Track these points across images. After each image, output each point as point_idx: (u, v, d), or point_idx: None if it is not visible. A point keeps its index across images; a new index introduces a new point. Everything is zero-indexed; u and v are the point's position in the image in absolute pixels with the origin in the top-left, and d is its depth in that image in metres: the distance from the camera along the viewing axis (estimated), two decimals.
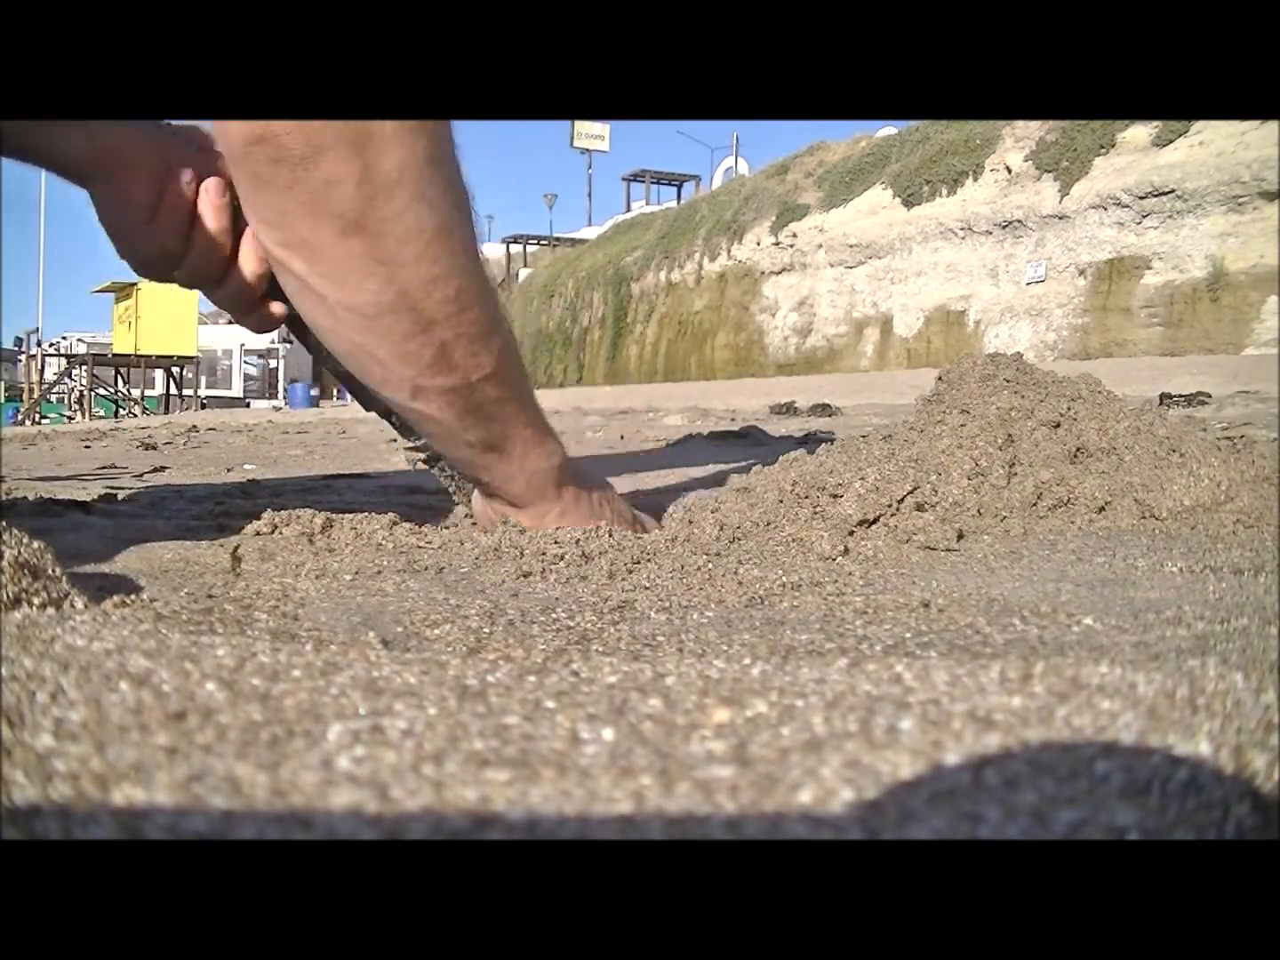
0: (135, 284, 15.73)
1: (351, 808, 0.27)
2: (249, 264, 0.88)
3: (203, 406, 18.07)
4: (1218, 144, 10.74)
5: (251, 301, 0.90)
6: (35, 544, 0.51)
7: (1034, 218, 12.66)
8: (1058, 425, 1.08)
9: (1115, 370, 5.92)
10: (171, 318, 17.00)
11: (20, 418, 17.85)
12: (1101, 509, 0.98)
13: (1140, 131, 11.58)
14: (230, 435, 4.49)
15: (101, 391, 20.01)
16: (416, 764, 0.30)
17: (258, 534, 0.92)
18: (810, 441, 2.41)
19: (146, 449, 3.51)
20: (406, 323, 0.80)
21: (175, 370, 19.32)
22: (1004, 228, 13.11)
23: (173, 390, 19.44)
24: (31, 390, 20.39)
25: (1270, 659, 0.44)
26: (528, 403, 0.92)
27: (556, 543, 0.81)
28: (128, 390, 20.23)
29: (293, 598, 0.66)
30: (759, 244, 16.74)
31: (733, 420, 4.20)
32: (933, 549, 0.87)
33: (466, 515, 1.02)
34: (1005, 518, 0.97)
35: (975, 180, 13.50)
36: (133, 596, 0.54)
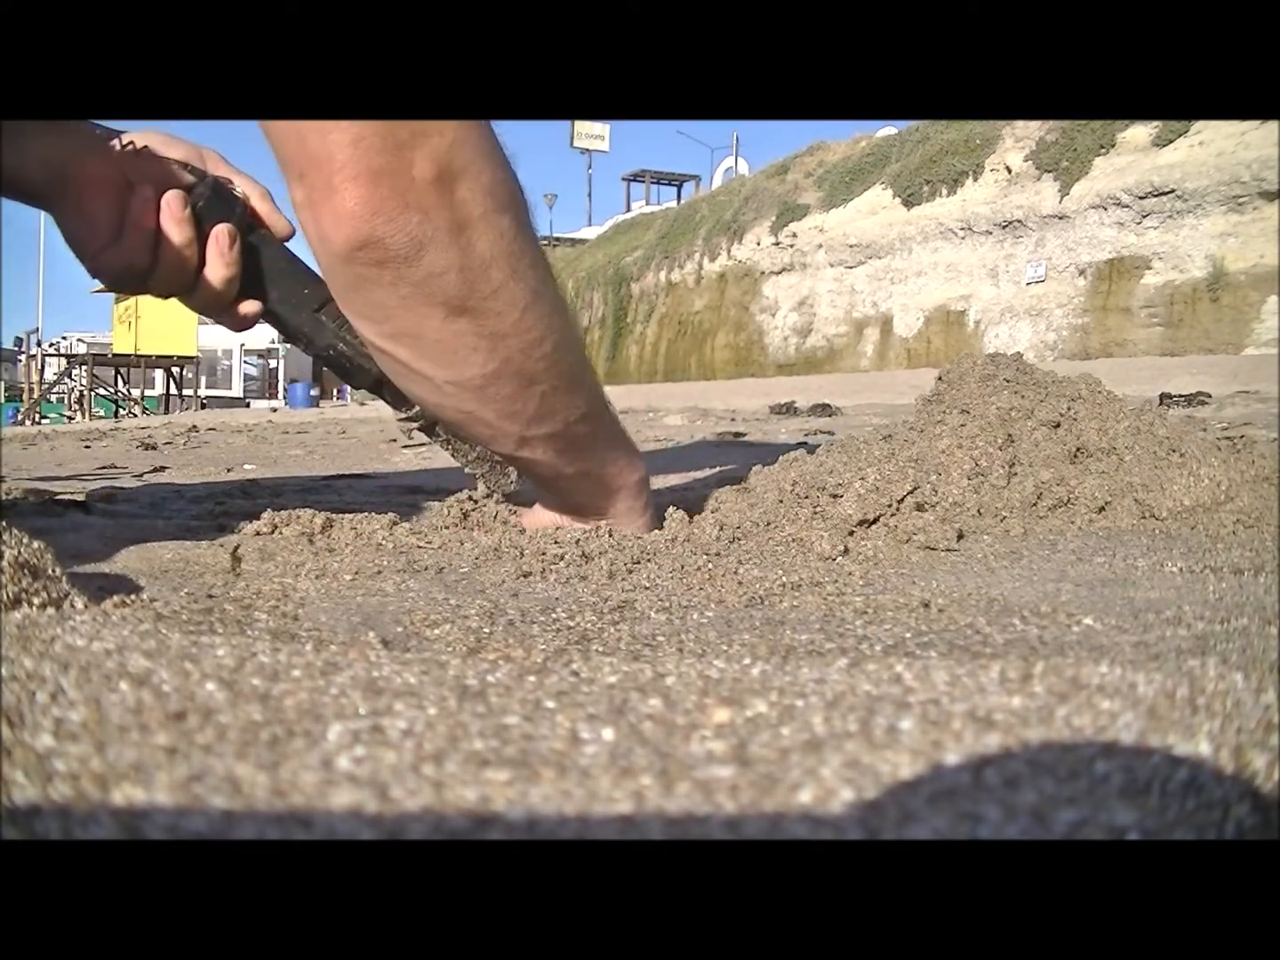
0: None
1: (351, 808, 0.27)
2: (216, 270, 0.89)
3: (203, 406, 18.07)
4: (1218, 144, 10.74)
5: (224, 305, 0.91)
6: (35, 544, 0.51)
7: (1034, 218, 12.66)
8: (1058, 425, 1.08)
9: (1115, 370, 5.92)
10: (171, 318, 17.01)
11: (20, 418, 17.84)
12: (1101, 509, 0.98)
13: (1140, 131, 11.58)
14: (230, 435, 4.49)
15: (101, 391, 20.01)
16: (416, 764, 0.30)
17: (258, 534, 0.92)
18: (809, 443, 2.41)
19: (146, 449, 3.51)
20: (511, 386, 0.84)
21: (175, 370, 19.32)
22: (1004, 228, 13.11)
23: (173, 390, 19.44)
24: (31, 390, 20.39)
25: (1270, 659, 0.44)
26: (615, 428, 0.96)
27: (556, 543, 0.81)
28: (128, 390, 20.23)
29: (293, 598, 0.66)
30: (759, 244, 16.74)
31: (733, 420, 4.20)
32: (933, 549, 0.87)
33: (480, 503, 1.03)
34: (1005, 518, 0.97)
35: (975, 180, 13.50)
36: (133, 596, 0.54)
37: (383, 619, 0.59)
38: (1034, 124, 12.80)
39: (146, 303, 16.63)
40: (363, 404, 10.79)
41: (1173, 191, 11.05)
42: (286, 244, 0.95)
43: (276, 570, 0.78)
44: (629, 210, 24.83)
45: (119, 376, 20.14)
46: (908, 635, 0.56)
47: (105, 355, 19.39)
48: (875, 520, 0.93)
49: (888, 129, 16.25)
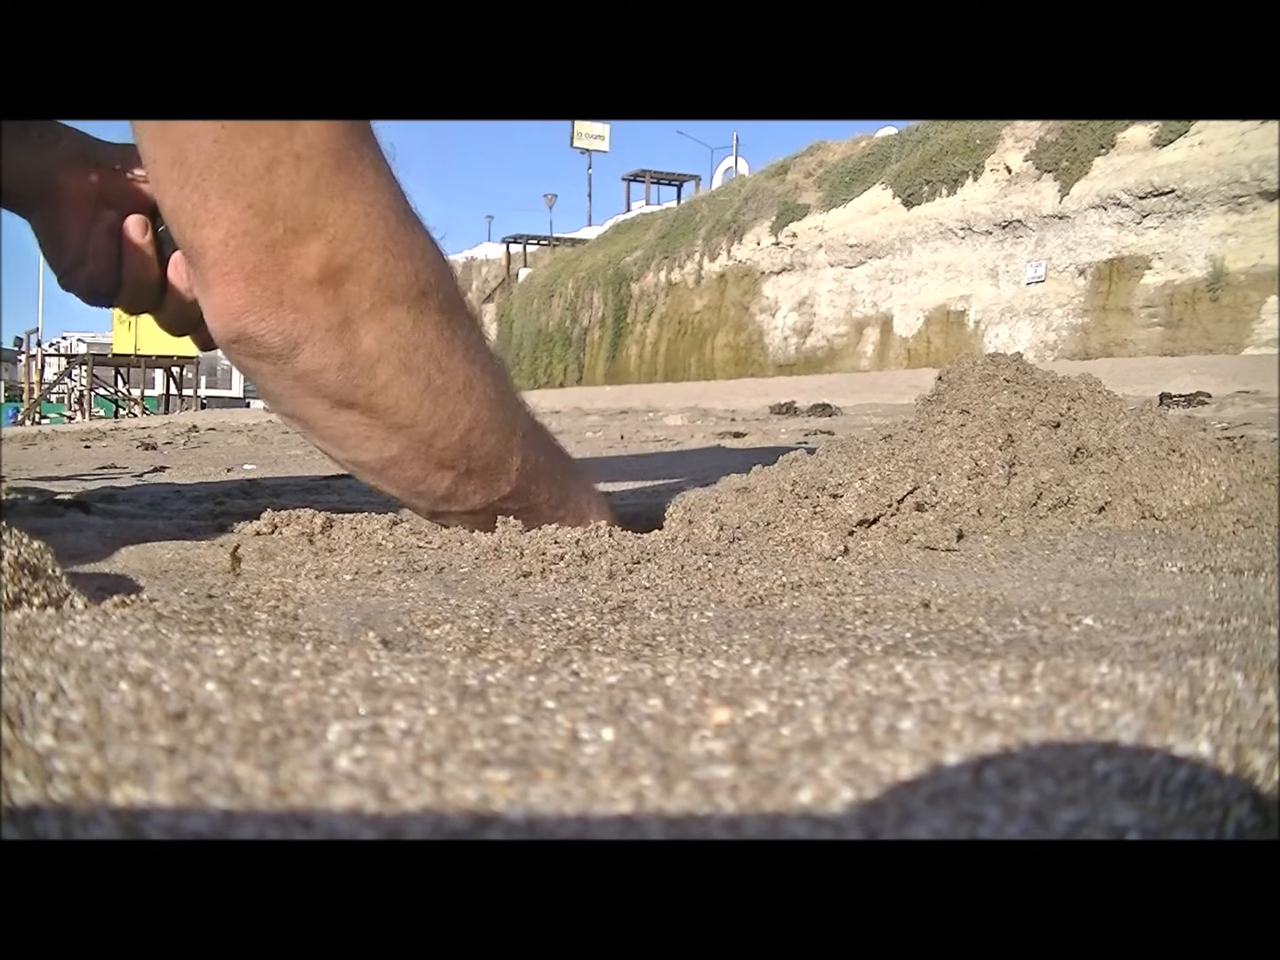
0: None
1: (351, 808, 0.27)
2: (179, 292, 0.89)
3: (203, 406, 18.07)
4: (1218, 144, 10.74)
5: (191, 323, 0.92)
6: (35, 544, 0.51)
7: (1034, 218, 12.67)
8: (1058, 425, 1.08)
9: (1115, 370, 5.92)
10: None
11: (20, 418, 17.85)
12: (1101, 509, 0.98)
13: (1140, 131, 11.58)
14: (230, 435, 4.49)
15: (101, 391, 20.01)
16: (416, 764, 0.30)
17: (258, 534, 0.92)
18: (809, 443, 2.41)
19: (146, 449, 3.52)
20: (414, 470, 0.84)
21: (175, 370, 19.32)
22: (1004, 228, 13.12)
23: (173, 390, 19.45)
24: (31, 390, 20.40)
25: (1270, 659, 0.44)
26: (555, 475, 0.95)
27: (556, 543, 0.81)
28: (128, 390, 20.23)
29: (293, 598, 0.66)
30: (759, 244, 16.74)
31: (733, 420, 4.20)
32: (933, 549, 0.87)
33: None
34: (1005, 518, 0.97)
35: (975, 180, 13.51)
36: (133, 596, 0.54)
37: (383, 619, 0.59)
38: (1034, 124, 12.81)
39: None
40: None
41: (1173, 191, 11.06)
42: None
43: (276, 570, 0.78)
44: (629, 210, 24.83)
45: (119, 376, 20.14)
46: (908, 635, 0.56)
47: (105, 355, 19.40)
48: (875, 520, 0.93)
49: (888, 129, 16.26)
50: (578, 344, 21.05)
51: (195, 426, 5.36)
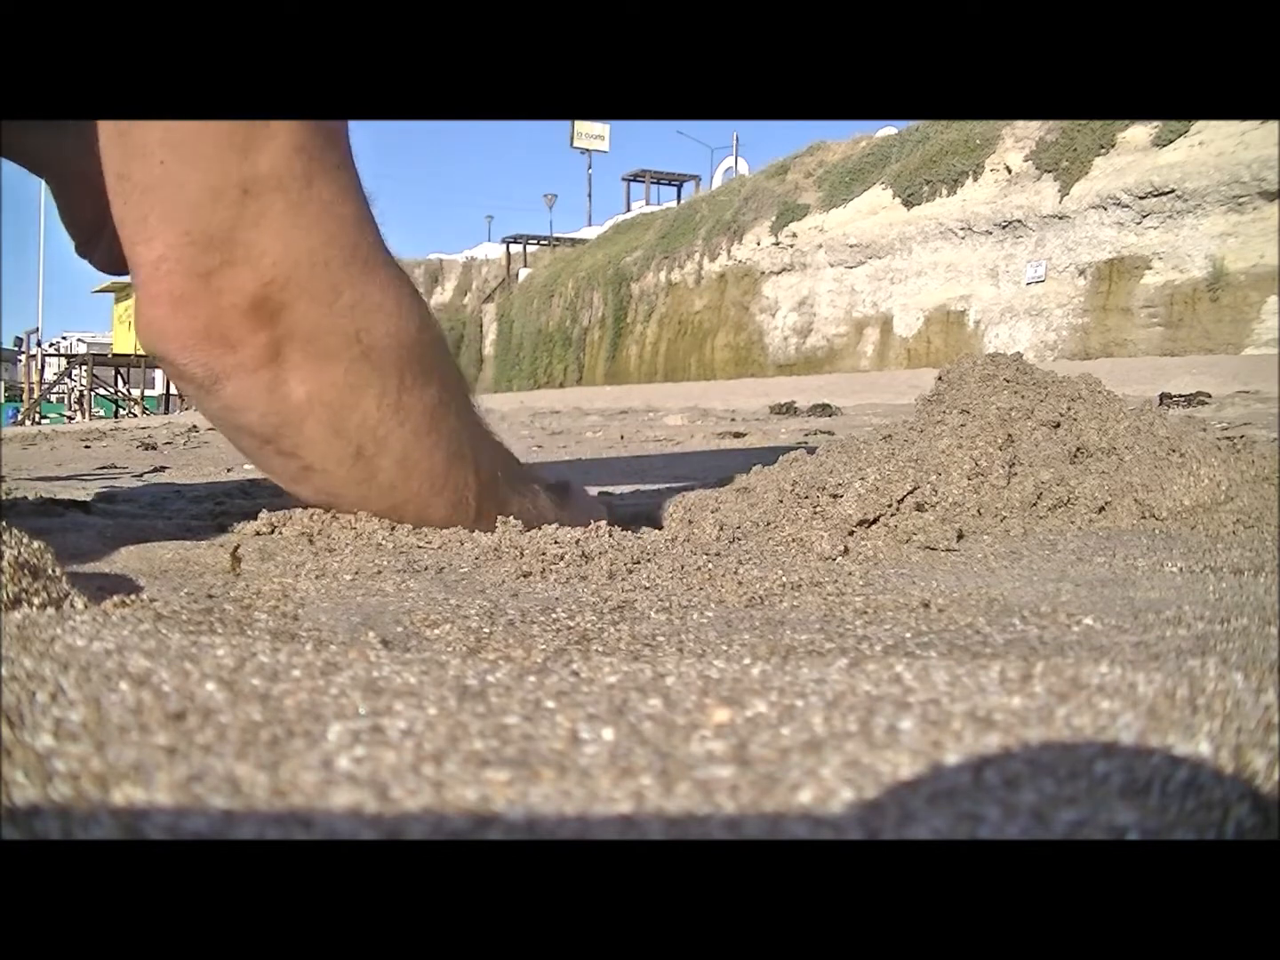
0: None
1: (351, 808, 0.27)
2: None
3: None
4: (1218, 144, 10.74)
5: None
6: (35, 544, 0.51)
7: (1034, 218, 12.67)
8: (1058, 425, 1.08)
9: (1115, 370, 5.92)
10: None
11: (20, 418, 17.85)
12: (1101, 509, 0.98)
13: (1140, 131, 11.58)
14: None
15: (101, 391, 20.01)
16: (416, 764, 0.30)
17: (258, 534, 0.91)
18: (809, 443, 2.41)
19: (146, 449, 3.52)
20: (348, 503, 0.84)
21: None
22: (1004, 228, 13.12)
23: (173, 390, 19.43)
24: (31, 390, 20.40)
25: (1270, 659, 0.44)
26: (501, 479, 0.91)
27: (556, 543, 0.81)
28: (128, 390, 20.23)
29: (293, 598, 0.66)
30: (759, 244, 16.74)
31: (733, 420, 4.20)
32: (933, 549, 0.87)
33: None
34: (1005, 518, 0.97)
35: (975, 180, 13.50)
36: (133, 596, 0.54)
37: (383, 619, 0.59)
38: (1034, 124, 12.81)
39: None
40: None
41: (1173, 191, 11.06)
42: None
43: (276, 570, 0.78)
44: (629, 210, 24.82)
45: (119, 376, 20.14)
46: (908, 635, 0.56)
47: (105, 355, 19.41)
48: (875, 520, 0.93)
49: (888, 129, 16.26)
50: (578, 344, 21.06)
51: (195, 426, 5.36)
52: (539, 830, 0.27)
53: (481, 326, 24.55)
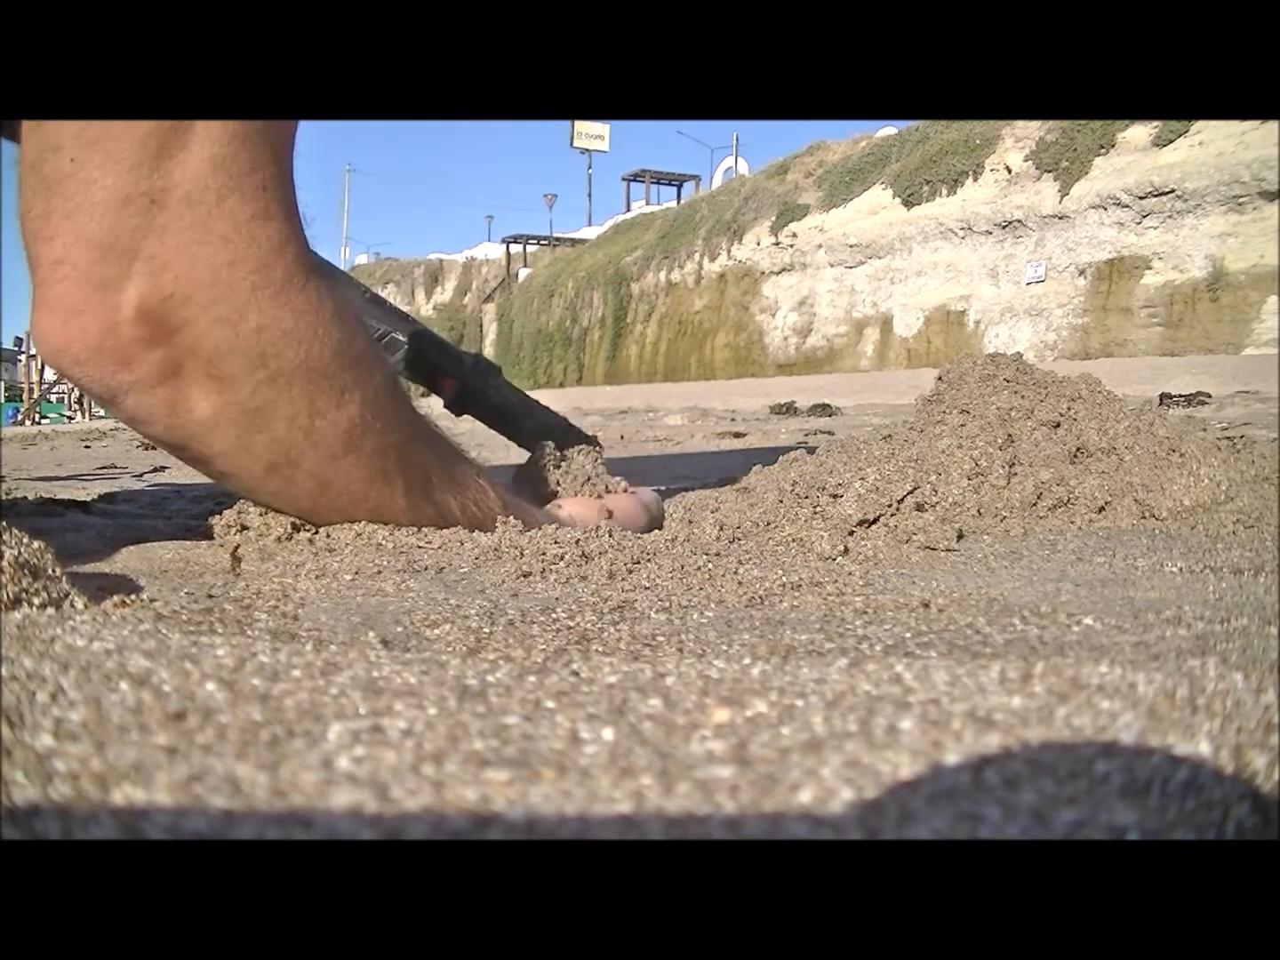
0: None
1: (351, 808, 0.27)
2: None
3: None
4: (1218, 144, 10.75)
5: None
6: (35, 544, 0.51)
7: (1034, 218, 12.67)
8: (1058, 425, 1.08)
9: (1115, 370, 5.93)
10: None
11: (20, 418, 17.85)
12: (1101, 509, 0.98)
13: (1140, 131, 11.59)
14: None
15: None
16: (416, 764, 0.30)
17: (258, 534, 0.91)
18: (809, 443, 2.41)
19: (146, 449, 3.51)
20: (267, 502, 0.82)
21: None
22: (1004, 228, 13.12)
23: None
24: (31, 390, 20.40)
25: (1270, 659, 0.44)
26: (438, 486, 0.88)
27: (556, 543, 0.81)
28: None
29: (293, 598, 0.66)
30: (759, 244, 16.75)
31: (733, 420, 4.20)
32: (933, 549, 0.87)
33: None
34: (1005, 518, 0.97)
35: (975, 180, 13.51)
36: (133, 596, 0.54)
37: (383, 619, 0.59)
38: (1034, 124, 12.81)
39: None
40: None
41: (1173, 191, 11.06)
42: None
43: (276, 570, 0.78)
44: (629, 210, 24.82)
45: None
46: (908, 635, 0.56)
47: None
48: (875, 520, 0.93)
49: (888, 129, 16.26)
50: (578, 344, 21.06)
51: None
52: (539, 830, 0.27)
53: (481, 326, 24.57)
